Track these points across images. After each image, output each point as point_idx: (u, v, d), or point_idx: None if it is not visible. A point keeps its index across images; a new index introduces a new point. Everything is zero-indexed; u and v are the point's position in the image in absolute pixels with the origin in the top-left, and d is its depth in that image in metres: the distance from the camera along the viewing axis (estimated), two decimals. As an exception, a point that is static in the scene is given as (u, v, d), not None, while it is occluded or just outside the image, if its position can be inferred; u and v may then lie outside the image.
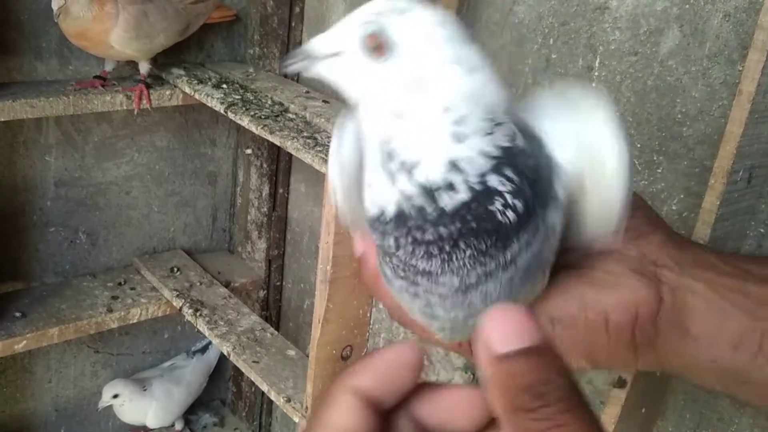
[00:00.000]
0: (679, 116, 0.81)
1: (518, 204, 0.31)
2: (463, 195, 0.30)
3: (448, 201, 0.30)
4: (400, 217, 0.31)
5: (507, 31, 0.97)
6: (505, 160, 0.31)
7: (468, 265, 0.31)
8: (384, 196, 0.31)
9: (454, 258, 0.31)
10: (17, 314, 1.22)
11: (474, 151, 0.31)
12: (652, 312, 0.38)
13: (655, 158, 0.84)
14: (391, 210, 0.31)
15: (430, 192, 0.30)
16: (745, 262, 0.39)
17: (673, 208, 0.83)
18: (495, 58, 0.98)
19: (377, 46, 0.30)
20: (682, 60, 0.80)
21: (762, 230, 0.76)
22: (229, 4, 1.32)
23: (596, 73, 0.88)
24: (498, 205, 0.31)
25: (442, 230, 0.30)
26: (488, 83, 0.32)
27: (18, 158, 1.24)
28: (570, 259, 0.39)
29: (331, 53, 0.31)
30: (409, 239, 0.31)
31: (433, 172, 0.31)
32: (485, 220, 0.30)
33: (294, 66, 0.33)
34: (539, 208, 0.32)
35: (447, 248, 0.31)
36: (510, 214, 0.31)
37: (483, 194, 0.30)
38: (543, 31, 0.93)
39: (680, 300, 0.38)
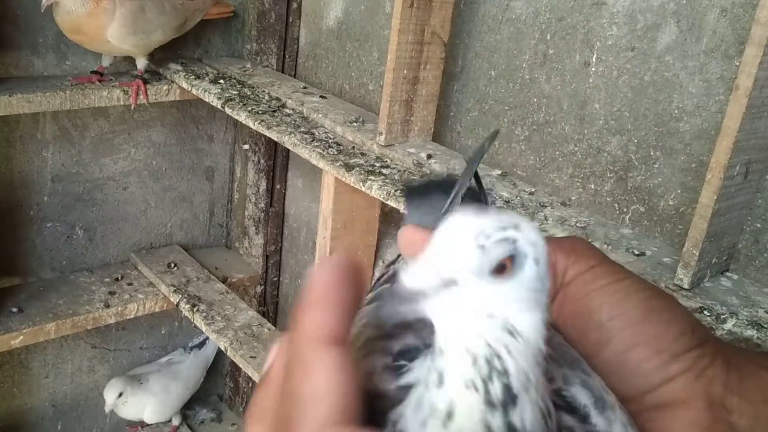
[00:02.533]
0: (676, 111, 0.81)
1: None
2: None
3: None
4: None
5: (504, 27, 0.97)
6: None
7: None
8: (473, 422, 0.25)
9: None
10: (14, 309, 1.22)
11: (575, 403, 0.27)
12: None
13: (651, 153, 0.84)
14: None
15: None
16: None
17: (670, 203, 0.83)
18: (492, 54, 0.98)
19: (504, 265, 0.26)
20: (679, 55, 0.80)
21: (759, 225, 0.76)
22: (227, 0, 1.31)
23: (593, 69, 0.88)
24: None
25: None
26: None
27: (15, 153, 1.24)
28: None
29: (442, 284, 0.26)
30: None
31: (528, 417, 0.25)
32: None
33: (393, 310, 0.27)
34: None
35: None
36: None
37: None
38: (540, 27, 0.93)
39: None
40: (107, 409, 1.39)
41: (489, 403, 0.25)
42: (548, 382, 0.27)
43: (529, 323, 0.26)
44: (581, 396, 0.28)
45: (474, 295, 0.26)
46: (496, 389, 0.25)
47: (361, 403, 0.24)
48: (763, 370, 0.32)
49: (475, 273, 0.26)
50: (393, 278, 0.33)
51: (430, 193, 0.40)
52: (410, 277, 0.26)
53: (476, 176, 0.39)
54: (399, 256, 0.35)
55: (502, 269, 0.26)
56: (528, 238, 0.26)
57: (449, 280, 0.26)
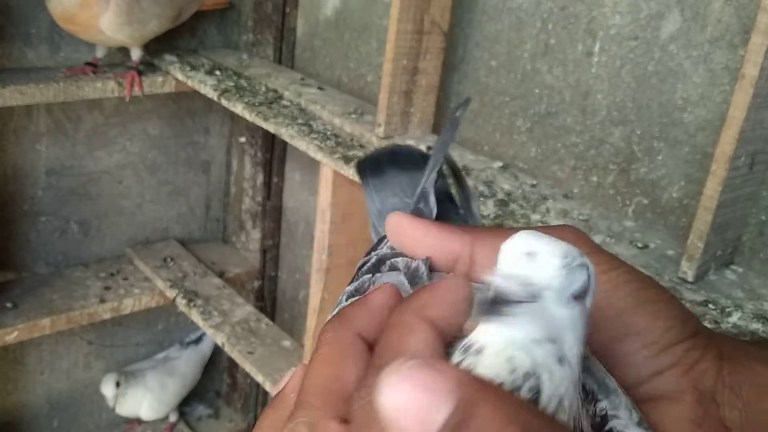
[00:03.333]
0: (680, 102, 0.80)
1: None
2: None
3: None
4: None
5: (505, 16, 0.95)
6: None
7: None
8: None
9: None
10: (8, 305, 1.20)
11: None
12: None
13: (655, 145, 0.83)
14: None
15: None
16: None
17: (674, 195, 0.82)
18: (493, 44, 0.97)
19: (584, 292, 0.26)
20: (683, 44, 0.79)
21: (764, 217, 0.75)
22: (223, -10, 1.30)
23: (596, 59, 0.87)
24: None
25: None
26: None
27: (8, 146, 1.22)
28: None
29: (526, 295, 0.26)
30: None
31: None
32: None
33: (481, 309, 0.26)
34: None
35: None
36: None
37: None
38: (542, 16, 0.91)
39: None
40: (111, 403, 1.39)
41: None
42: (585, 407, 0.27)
43: (576, 353, 0.25)
44: (587, 381, 0.27)
45: (551, 313, 0.25)
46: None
47: None
48: (756, 363, 0.31)
49: (558, 293, 0.25)
50: (378, 265, 0.32)
51: (385, 170, 0.39)
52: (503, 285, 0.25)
53: (447, 155, 0.39)
54: (380, 241, 0.34)
55: (580, 295, 0.25)
56: (592, 268, 0.26)
57: (533, 294, 0.25)
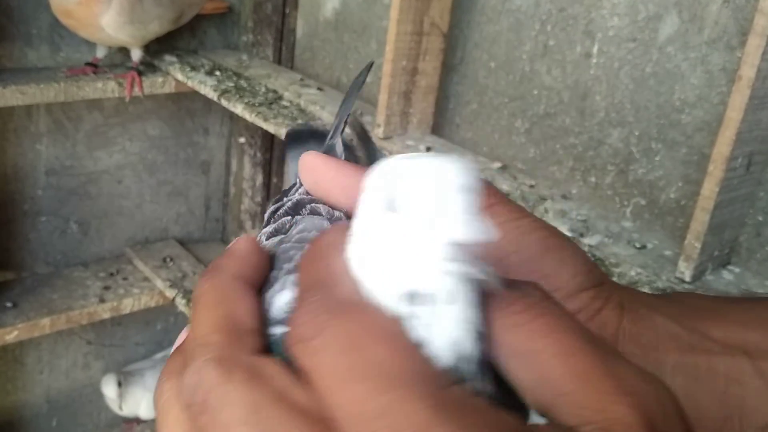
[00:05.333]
0: (678, 103, 0.80)
1: None
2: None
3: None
4: None
5: (504, 17, 0.96)
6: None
7: None
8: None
9: None
10: (8, 305, 1.20)
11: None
12: None
13: (653, 146, 0.83)
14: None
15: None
16: (708, 323, 0.32)
17: (671, 196, 0.82)
18: (492, 45, 0.97)
19: None
20: (681, 46, 0.79)
21: (761, 218, 0.76)
22: (222, -7, 1.30)
23: (594, 60, 0.87)
24: None
25: None
26: None
27: (8, 146, 1.23)
28: None
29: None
30: None
31: None
32: None
33: None
34: None
35: None
36: None
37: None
38: (540, 17, 0.92)
39: None
40: (114, 405, 1.39)
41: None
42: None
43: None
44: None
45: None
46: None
47: None
48: (657, 315, 0.31)
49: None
50: (296, 208, 0.31)
51: (309, 141, 0.39)
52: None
53: (361, 126, 0.39)
54: (291, 187, 0.34)
55: None
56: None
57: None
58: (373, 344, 0.20)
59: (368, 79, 1.19)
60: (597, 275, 0.32)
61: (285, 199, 0.33)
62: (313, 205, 0.30)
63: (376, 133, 0.97)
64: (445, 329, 0.22)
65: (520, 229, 0.31)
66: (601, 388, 0.21)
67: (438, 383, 0.20)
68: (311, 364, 0.20)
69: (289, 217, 0.31)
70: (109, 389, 1.38)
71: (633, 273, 0.73)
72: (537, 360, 0.22)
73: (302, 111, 1.09)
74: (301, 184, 0.32)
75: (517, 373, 0.22)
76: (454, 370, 0.22)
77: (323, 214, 0.30)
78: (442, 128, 1.05)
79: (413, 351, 0.21)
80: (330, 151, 0.36)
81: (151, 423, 1.52)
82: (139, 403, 1.42)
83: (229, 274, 0.25)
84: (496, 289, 0.23)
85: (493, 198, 0.31)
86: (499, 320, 0.22)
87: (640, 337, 0.31)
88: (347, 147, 0.37)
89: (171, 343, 1.64)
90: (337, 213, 0.30)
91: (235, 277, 0.25)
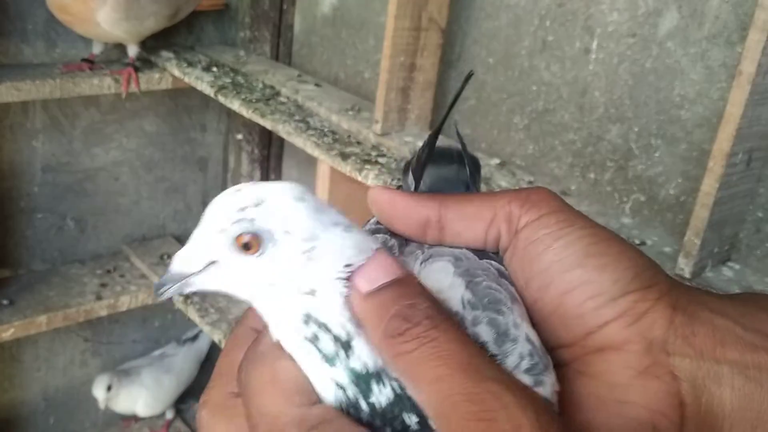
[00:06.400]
0: (678, 99, 0.80)
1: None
2: (389, 393, 0.27)
3: (379, 398, 0.27)
4: (343, 408, 0.28)
5: (503, 13, 0.95)
6: None
7: None
8: (320, 382, 0.28)
9: None
10: (5, 302, 1.20)
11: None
12: (675, 425, 0.30)
13: (653, 142, 0.83)
14: (329, 399, 0.28)
15: (365, 381, 0.27)
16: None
17: (671, 192, 0.82)
18: (491, 41, 0.97)
19: (249, 243, 0.28)
20: (681, 42, 0.79)
21: (761, 214, 0.75)
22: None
23: (594, 56, 0.87)
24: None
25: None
26: (364, 236, 0.30)
27: (4, 143, 1.22)
28: (565, 358, 0.32)
29: (205, 265, 0.29)
30: None
31: (366, 356, 0.27)
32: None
33: (168, 291, 0.31)
34: None
35: None
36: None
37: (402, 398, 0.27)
38: (539, 13, 0.91)
39: (706, 397, 0.30)
40: (101, 406, 1.38)
41: (325, 359, 0.28)
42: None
43: (320, 279, 0.28)
44: (484, 334, 0.29)
45: (234, 269, 0.29)
46: (326, 344, 0.28)
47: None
48: (717, 316, 0.31)
49: (228, 252, 0.29)
50: None
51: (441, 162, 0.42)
52: (179, 263, 0.30)
53: (458, 136, 0.42)
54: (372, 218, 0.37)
55: (249, 246, 0.28)
56: (271, 212, 0.28)
57: (210, 261, 0.29)
58: (259, 395, 0.28)
59: (366, 75, 1.18)
60: (645, 278, 0.31)
61: (363, 228, 0.36)
62: (377, 235, 0.34)
63: (374, 130, 0.97)
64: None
65: (564, 239, 0.32)
66: (460, 413, 0.24)
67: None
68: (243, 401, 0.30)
69: None
70: (98, 391, 1.37)
71: (632, 270, 0.73)
72: (416, 387, 0.26)
73: (300, 107, 1.08)
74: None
75: (413, 396, 0.26)
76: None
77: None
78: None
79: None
80: (405, 177, 0.41)
81: (148, 420, 1.52)
82: (136, 400, 1.42)
83: (247, 325, 0.33)
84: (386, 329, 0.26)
85: (546, 209, 0.32)
86: (387, 350, 0.26)
87: (694, 337, 0.30)
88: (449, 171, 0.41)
89: (168, 341, 1.65)
90: (391, 241, 0.33)
91: (251, 329, 0.33)
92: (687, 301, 0.31)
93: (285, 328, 0.29)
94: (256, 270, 0.29)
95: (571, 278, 0.31)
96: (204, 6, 1.25)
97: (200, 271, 0.30)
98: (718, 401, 0.30)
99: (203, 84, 1.14)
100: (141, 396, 1.42)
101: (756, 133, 0.69)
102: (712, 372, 0.30)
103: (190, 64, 1.20)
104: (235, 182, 1.49)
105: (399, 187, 0.39)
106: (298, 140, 0.98)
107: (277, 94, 1.12)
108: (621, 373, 0.30)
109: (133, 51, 1.16)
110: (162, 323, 1.54)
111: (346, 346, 0.27)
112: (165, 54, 1.23)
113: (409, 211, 0.34)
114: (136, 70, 1.17)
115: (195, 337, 1.51)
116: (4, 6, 1.13)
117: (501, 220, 0.33)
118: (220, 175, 1.49)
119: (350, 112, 1.04)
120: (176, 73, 1.19)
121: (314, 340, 0.28)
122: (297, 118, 1.03)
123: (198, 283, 0.30)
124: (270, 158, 1.39)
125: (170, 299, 1.29)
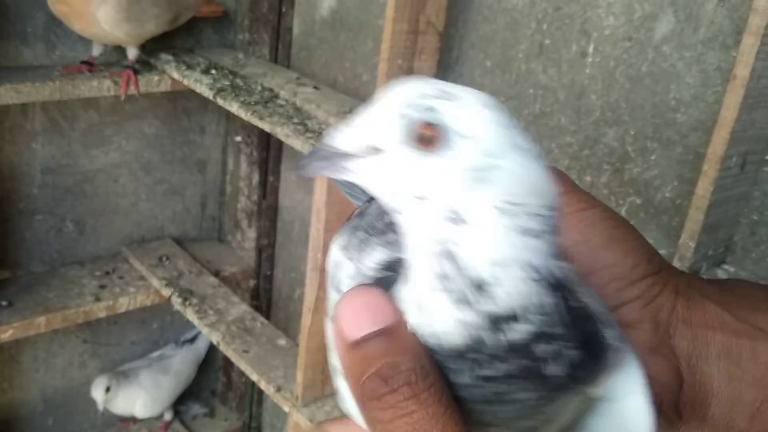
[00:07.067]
0: (673, 102, 0.81)
1: (571, 358, 0.26)
2: (530, 328, 0.24)
3: (516, 334, 0.24)
4: (464, 349, 0.25)
5: (500, 16, 0.96)
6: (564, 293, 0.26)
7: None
8: (444, 323, 0.25)
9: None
10: (3, 303, 1.20)
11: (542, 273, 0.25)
12: (675, 397, 0.33)
13: (648, 145, 0.83)
14: (452, 340, 0.25)
15: (498, 321, 0.24)
16: (757, 313, 0.34)
17: (667, 195, 0.82)
18: (488, 44, 0.97)
19: (430, 138, 0.24)
20: (677, 46, 0.80)
21: (755, 217, 0.76)
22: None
23: (590, 59, 0.87)
24: (551, 348, 0.25)
25: (506, 367, 0.25)
26: (545, 173, 0.26)
27: (4, 145, 1.22)
28: None
29: (367, 150, 0.25)
30: (469, 375, 0.25)
31: (504, 295, 0.24)
32: (538, 367, 0.25)
33: (315, 166, 0.26)
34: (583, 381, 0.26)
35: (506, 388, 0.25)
36: (558, 368, 0.25)
37: (546, 334, 0.25)
38: (536, 17, 0.92)
39: (699, 375, 0.33)
40: (100, 407, 1.38)
41: (458, 301, 0.24)
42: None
43: (477, 208, 0.24)
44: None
45: (398, 165, 0.24)
46: (458, 285, 0.24)
47: None
48: (709, 301, 0.34)
49: (399, 142, 0.24)
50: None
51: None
52: (334, 137, 0.25)
53: None
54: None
55: (428, 141, 0.24)
56: (460, 111, 0.24)
57: (373, 147, 0.25)
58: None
59: (364, 78, 1.19)
60: (657, 263, 0.34)
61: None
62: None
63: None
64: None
65: (589, 219, 0.33)
66: None
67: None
68: None
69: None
70: (97, 392, 1.37)
71: (628, 272, 0.73)
72: None
73: (298, 110, 1.09)
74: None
75: None
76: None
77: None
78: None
79: None
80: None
81: (147, 422, 1.52)
82: (134, 401, 1.42)
83: None
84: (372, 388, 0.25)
85: (563, 187, 0.33)
86: (363, 411, 0.25)
87: (691, 320, 0.33)
88: None
89: (166, 342, 1.65)
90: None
91: None
92: (686, 286, 0.34)
93: (419, 258, 0.25)
94: (425, 171, 0.24)
95: (595, 259, 0.33)
96: (203, 13, 1.26)
97: (359, 155, 0.25)
98: (708, 379, 0.33)
99: (202, 86, 1.14)
100: (139, 397, 1.42)
101: (750, 137, 0.70)
102: (704, 353, 0.33)
103: (189, 67, 1.20)
104: (234, 184, 1.50)
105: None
106: (297, 142, 0.98)
107: (276, 96, 1.13)
108: (635, 349, 0.32)
109: (132, 53, 1.16)
110: (161, 325, 1.54)
111: (480, 287, 0.24)
112: (164, 56, 1.23)
113: None
114: (136, 72, 1.17)
115: (193, 339, 1.51)
116: (4, 8, 1.13)
117: None
118: (218, 177, 1.50)
119: (348, 115, 1.05)
120: (175, 75, 1.19)
121: (444, 278, 0.24)
122: (295, 120, 1.04)
123: (354, 170, 0.25)
124: (269, 160, 1.39)
125: (169, 302, 1.30)
